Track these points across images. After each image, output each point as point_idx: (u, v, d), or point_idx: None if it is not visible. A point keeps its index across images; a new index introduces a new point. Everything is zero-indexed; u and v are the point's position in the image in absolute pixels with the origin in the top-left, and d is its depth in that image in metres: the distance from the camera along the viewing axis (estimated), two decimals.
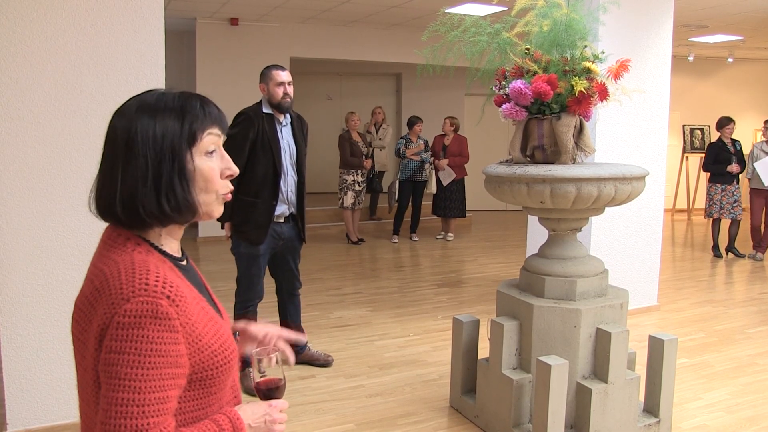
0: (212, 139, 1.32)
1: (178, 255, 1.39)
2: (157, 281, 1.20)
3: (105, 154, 1.28)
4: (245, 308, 4.16)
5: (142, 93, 1.32)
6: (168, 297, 1.20)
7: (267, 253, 4.15)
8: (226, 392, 1.40)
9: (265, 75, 4.08)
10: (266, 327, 1.66)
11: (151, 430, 1.17)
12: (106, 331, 1.18)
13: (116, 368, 1.16)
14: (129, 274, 1.20)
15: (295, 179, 4.15)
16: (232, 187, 1.38)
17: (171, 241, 1.36)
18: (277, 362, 1.54)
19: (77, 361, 1.29)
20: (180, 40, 9.99)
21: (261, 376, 1.51)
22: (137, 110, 1.26)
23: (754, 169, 8.24)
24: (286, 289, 4.39)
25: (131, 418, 1.15)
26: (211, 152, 1.32)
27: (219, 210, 1.36)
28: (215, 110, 1.34)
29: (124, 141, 1.24)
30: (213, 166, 1.32)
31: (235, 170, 1.37)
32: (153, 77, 3.54)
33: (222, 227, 4.16)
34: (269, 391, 1.49)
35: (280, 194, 4.07)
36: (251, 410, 1.38)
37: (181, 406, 1.28)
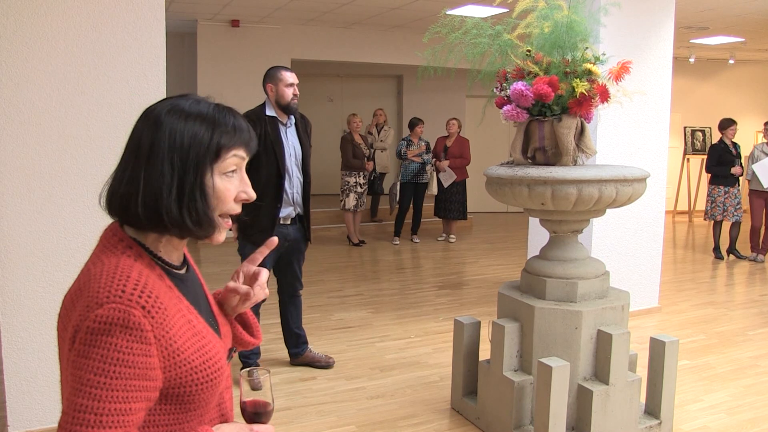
0: (235, 160, 1.28)
1: (177, 264, 1.34)
2: (135, 289, 1.16)
3: (128, 151, 1.25)
4: None
5: (177, 96, 1.30)
6: (143, 307, 1.15)
7: (272, 255, 4.14)
8: (210, 410, 1.35)
9: (273, 76, 4.06)
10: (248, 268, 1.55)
11: None
12: (77, 333, 1.15)
13: (80, 372, 1.12)
14: (109, 278, 1.17)
15: (301, 180, 4.16)
16: (239, 210, 1.33)
17: (171, 250, 1.31)
18: (260, 383, 1.45)
19: (60, 356, 1.26)
20: (181, 42, 10.00)
21: (249, 396, 1.43)
22: (168, 113, 1.24)
23: (753, 171, 8.23)
24: (287, 290, 4.39)
25: (86, 426, 1.10)
26: (232, 172, 1.29)
27: (222, 236, 1.32)
28: (246, 132, 1.30)
29: (149, 145, 1.21)
30: (229, 188, 1.28)
31: (252, 195, 1.33)
32: (154, 79, 3.54)
33: (231, 229, 4.16)
34: (255, 415, 1.41)
35: (285, 196, 4.06)
36: (229, 430, 1.33)
37: (155, 418, 1.23)
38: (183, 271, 1.36)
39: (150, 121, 1.24)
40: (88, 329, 1.13)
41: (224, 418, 1.40)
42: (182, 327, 1.24)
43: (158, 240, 1.28)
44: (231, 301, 1.51)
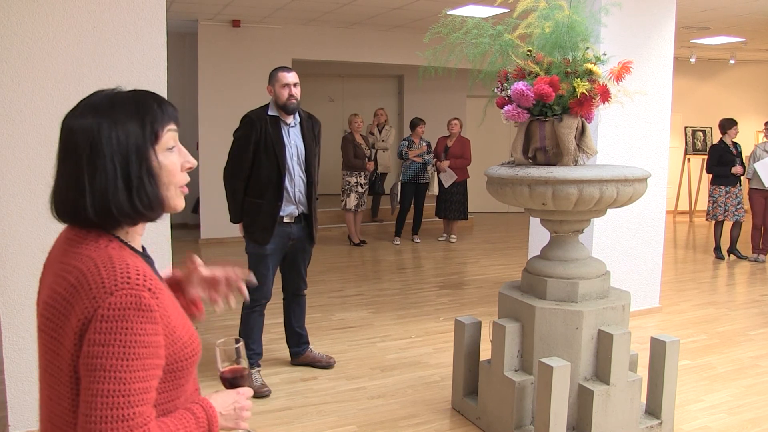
0: (171, 135, 1.36)
1: (140, 250, 1.42)
2: (138, 274, 1.24)
3: (65, 158, 1.29)
4: (252, 308, 4.17)
5: (92, 96, 1.35)
6: (149, 289, 1.24)
7: (277, 253, 4.16)
8: (191, 385, 1.43)
9: (272, 77, 4.10)
10: (213, 270, 1.66)
11: (136, 418, 1.19)
12: (88, 324, 1.20)
13: (101, 360, 1.18)
14: (109, 268, 1.23)
15: (304, 179, 4.16)
16: (189, 179, 1.41)
17: (136, 237, 1.39)
18: (239, 352, 1.57)
19: (46, 359, 1.29)
20: (182, 42, 10.01)
21: (225, 366, 1.55)
22: (94, 115, 1.29)
23: (754, 169, 8.23)
24: (291, 289, 4.40)
25: (117, 408, 1.17)
26: (171, 148, 1.36)
27: (181, 203, 1.39)
28: (170, 107, 1.38)
29: (88, 146, 1.26)
30: (174, 161, 1.36)
31: (194, 162, 1.41)
32: (155, 79, 3.54)
33: (239, 229, 4.19)
34: (235, 380, 1.53)
35: (285, 195, 4.07)
36: (221, 399, 1.44)
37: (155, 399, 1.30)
38: (147, 257, 1.44)
39: (81, 127, 1.28)
40: (102, 318, 1.19)
41: (197, 392, 1.49)
42: (172, 306, 1.33)
43: (126, 232, 1.35)
44: (194, 286, 1.64)
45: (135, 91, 1.36)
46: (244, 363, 1.57)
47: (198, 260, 1.63)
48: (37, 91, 3.28)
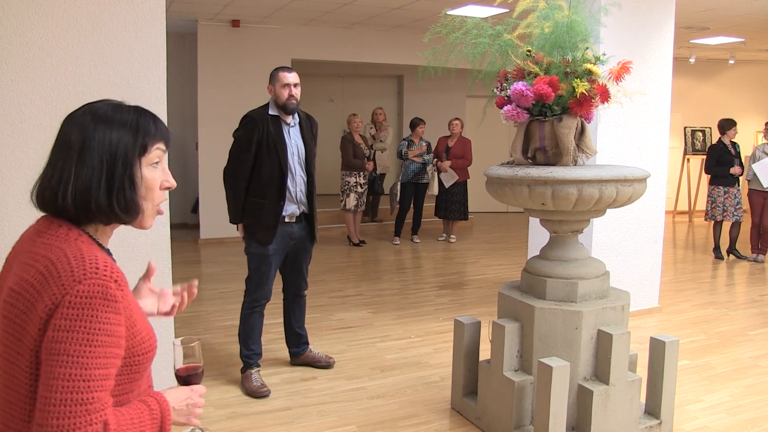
0: (158, 153, 1.45)
1: (107, 249, 1.49)
2: (105, 267, 1.30)
3: (56, 153, 1.38)
4: (252, 308, 4.17)
5: (96, 102, 1.43)
6: (115, 281, 1.31)
7: (278, 253, 4.15)
8: (144, 380, 1.49)
9: (272, 76, 4.10)
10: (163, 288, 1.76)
11: (94, 403, 1.25)
12: (55, 311, 1.26)
13: (64, 345, 1.24)
14: (78, 259, 1.30)
15: (305, 179, 4.16)
16: (167, 199, 1.51)
17: (104, 237, 1.46)
18: (195, 350, 1.64)
19: (6, 346, 1.33)
20: (182, 42, 10.01)
21: (182, 363, 1.62)
22: (93, 118, 1.38)
23: (753, 171, 8.24)
24: (292, 289, 4.40)
25: (77, 392, 1.23)
26: (156, 164, 1.45)
27: (151, 222, 1.48)
28: (164, 128, 1.48)
29: (80, 144, 1.35)
30: (156, 177, 1.45)
31: (173, 183, 1.50)
32: (154, 79, 3.55)
33: (237, 229, 4.18)
34: (189, 377, 1.61)
35: (288, 194, 4.07)
36: (175, 394, 1.50)
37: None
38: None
39: (79, 124, 1.38)
40: (69, 304, 1.25)
41: (151, 388, 1.54)
42: (134, 301, 1.40)
43: (95, 229, 1.42)
44: (148, 306, 1.70)
45: (136, 107, 1.45)
46: (200, 361, 1.64)
47: (153, 267, 1.72)
48: (36, 91, 3.28)
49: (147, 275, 1.71)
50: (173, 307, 1.75)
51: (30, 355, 1.28)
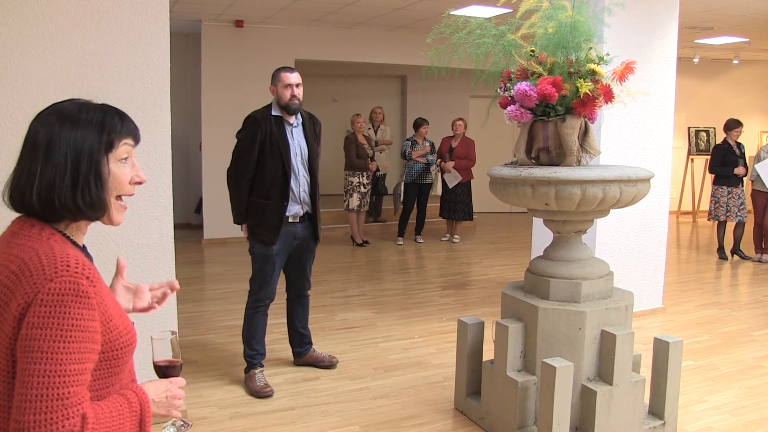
0: (126, 148, 1.47)
1: (82, 246, 1.50)
2: (77, 264, 1.33)
3: (24, 153, 1.41)
4: (256, 308, 4.17)
5: (63, 102, 1.46)
6: (87, 278, 1.33)
7: (282, 254, 4.16)
8: (126, 374, 1.51)
9: (274, 77, 4.10)
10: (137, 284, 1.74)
11: (71, 398, 1.27)
12: (28, 309, 1.28)
13: (38, 342, 1.26)
14: (50, 257, 1.32)
15: (308, 179, 4.16)
16: (134, 192, 1.52)
17: (79, 234, 1.48)
18: (174, 346, 1.67)
19: None
20: (185, 42, 10.02)
21: (160, 357, 1.65)
22: (59, 118, 1.41)
23: (756, 171, 8.22)
24: (295, 289, 4.40)
25: (52, 388, 1.25)
26: (125, 159, 1.47)
27: (120, 218, 1.50)
28: (132, 124, 1.50)
29: (46, 143, 1.37)
30: (125, 172, 1.47)
31: (143, 178, 1.53)
32: (158, 79, 3.55)
33: (241, 229, 4.18)
34: (168, 369, 1.63)
35: (291, 194, 4.08)
36: (154, 387, 1.53)
37: (90, 383, 1.37)
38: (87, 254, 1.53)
39: (43, 124, 1.41)
40: (41, 302, 1.28)
41: (134, 382, 1.56)
42: (109, 297, 1.42)
43: (68, 226, 1.44)
44: (122, 302, 1.68)
45: (103, 104, 1.48)
46: (177, 355, 1.67)
47: (123, 266, 1.71)
48: (40, 91, 3.28)
49: (118, 272, 1.72)
50: (151, 303, 1.75)
51: (5, 354, 1.30)
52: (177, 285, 1.79)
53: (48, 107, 1.45)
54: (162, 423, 1.66)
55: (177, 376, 1.63)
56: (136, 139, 1.51)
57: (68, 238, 1.43)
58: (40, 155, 1.37)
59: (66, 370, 1.27)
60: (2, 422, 1.32)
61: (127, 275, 1.75)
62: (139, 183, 1.52)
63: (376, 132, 10.25)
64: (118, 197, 1.49)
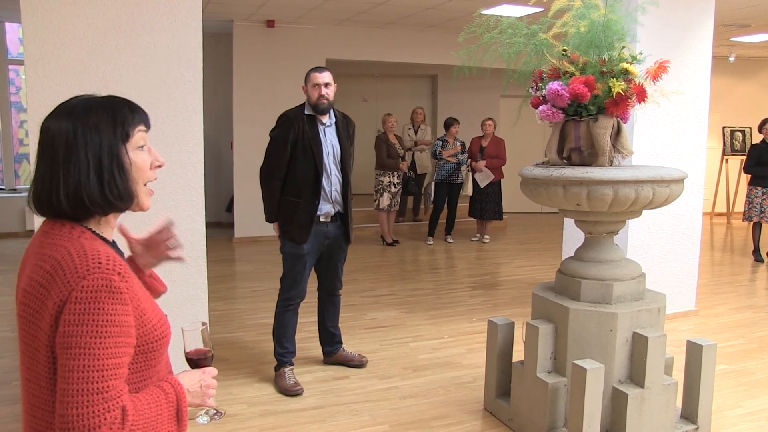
0: (141, 135, 1.49)
1: (111, 241, 1.53)
2: (108, 260, 1.35)
3: (42, 156, 1.41)
4: (287, 306, 4.20)
5: (69, 100, 1.48)
6: (119, 274, 1.35)
7: (313, 253, 4.17)
8: (162, 366, 1.55)
9: (306, 77, 4.13)
10: (146, 234, 1.75)
11: (110, 391, 1.30)
12: (63, 307, 1.31)
13: (76, 339, 1.29)
14: (81, 255, 1.34)
15: (340, 179, 4.17)
16: (157, 177, 1.54)
17: (108, 229, 1.51)
18: (205, 337, 1.69)
19: (25, 343, 1.40)
20: (217, 42, 10.11)
21: (190, 346, 1.67)
22: (70, 116, 1.42)
23: None
24: (326, 288, 4.42)
25: (92, 382, 1.29)
26: (142, 146, 1.49)
27: (149, 202, 1.53)
28: (141, 111, 1.52)
29: (64, 143, 1.38)
30: (145, 159, 1.50)
31: (162, 161, 1.55)
32: (191, 79, 3.59)
33: (273, 228, 4.21)
34: (199, 360, 1.66)
35: (323, 194, 4.09)
36: (188, 377, 1.56)
37: (127, 376, 1.40)
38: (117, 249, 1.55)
39: (57, 125, 1.41)
40: (76, 299, 1.30)
41: (171, 374, 1.59)
42: (141, 291, 1.45)
43: (98, 223, 1.47)
44: (141, 256, 1.73)
45: (109, 97, 1.51)
46: (208, 345, 1.69)
47: (126, 229, 1.72)
48: (76, 92, 3.31)
49: (126, 236, 1.72)
50: (171, 249, 1.75)
51: (46, 351, 1.34)
52: (170, 216, 1.79)
53: (57, 108, 1.47)
54: (196, 411, 1.68)
55: (208, 366, 1.65)
56: (148, 125, 1.53)
57: (98, 235, 1.45)
58: (60, 158, 1.38)
59: (104, 365, 1.30)
60: (47, 415, 1.36)
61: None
62: (159, 167, 1.54)
63: (416, 132, 10.24)
64: (145, 185, 1.51)
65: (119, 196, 1.43)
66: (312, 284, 4.32)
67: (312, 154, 4.03)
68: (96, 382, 1.29)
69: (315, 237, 4.11)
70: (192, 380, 1.55)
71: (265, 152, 4.13)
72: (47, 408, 1.36)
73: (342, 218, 4.24)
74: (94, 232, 1.45)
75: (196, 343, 1.68)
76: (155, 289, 1.75)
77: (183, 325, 1.69)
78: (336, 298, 4.47)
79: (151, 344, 1.45)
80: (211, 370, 1.62)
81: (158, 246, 1.74)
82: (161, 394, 1.44)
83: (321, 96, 4.04)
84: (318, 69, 4.14)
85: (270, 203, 4.13)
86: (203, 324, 1.71)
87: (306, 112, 4.10)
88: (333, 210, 4.16)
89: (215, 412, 1.73)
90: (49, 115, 1.45)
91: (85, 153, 1.38)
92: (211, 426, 3.57)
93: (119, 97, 1.51)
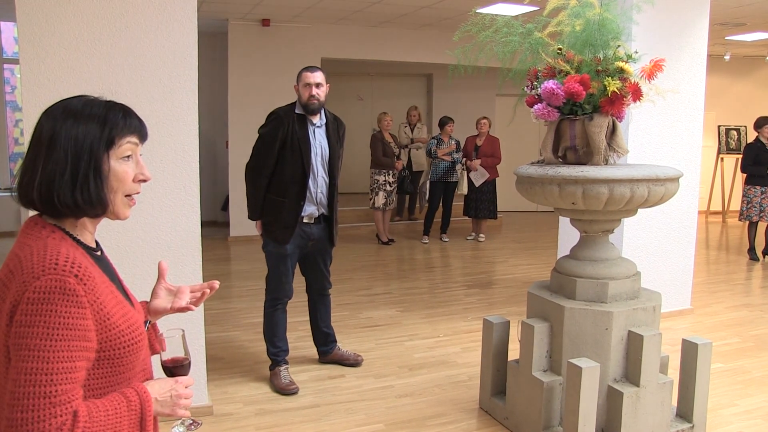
0: (129, 146, 1.46)
1: (92, 246, 1.51)
2: (66, 261, 1.32)
3: (29, 148, 1.41)
4: (274, 306, 4.19)
5: (70, 98, 1.47)
6: (76, 276, 1.32)
7: (296, 253, 4.16)
8: (136, 374, 1.51)
9: (297, 76, 4.11)
10: (171, 296, 1.73)
11: (59, 396, 1.27)
12: (17, 306, 1.29)
13: (26, 340, 1.27)
14: (41, 255, 1.33)
15: (326, 181, 4.14)
16: (140, 191, 1.51)
17: (86, 233, 1.48)
18: (183, 344, 1.66)
19: None
20: (213, 41, 10.09)
21: (167, 355, 1.64)
22: (63, 113, 1.40)
23: None
24: (315, 289, 4.41)
25: (40, 386, 1.26)
26: (128, 157, 1.46)
27: (126, 212, 1.50)
28: (136, 121, 1.49)
29: (48, 138, 1.37)
30: (127, 170, 1.46)
31: (149, 176, 1.51)
32: (186, 78, 3.58)
33: (255, 226, 4.20)
34: (175, 368, 1.62)
35: (308, 194, 4.07)
36: (159, 385, 1.51)
37: (90, 382, 1.38)
38: (98, 253, 1.53)
39: (48, 119, 1.40)
40: (28, 300, 1.28)
41: (147, 380, 1.56)
42: (108, 295, 1.41)
43: (74, 225, 1.44)
44: (162, 303, 1.71)
45: (108, 101, 1.47)
46: (187, 353, 1.66)
47: (164, 269, 1.72)
48: (70, 91, 3.29)
49: (161, 275, 1.73)
50: (188, 304, 1.74)
51: (4, 349, 1.32)
52: (217, 285, 1.77)
53: (56, 103, 1.45)
54: (171, 422, 1.65)
55: (185, 374, 1.61)
56: (142, 136, 1.50)
57: (71, 236, 1.43)
58: (43, 150, 1.37)
59: (54, 368, 1.27)
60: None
61: (151, 273, 1.76)
62: (144, 181, 1.50)
63: (412, 131, 10.24)
64: (127, 195, 1.48)
65: (90, 201, 1.39)
66: (301, 285, 4.31)
67: (300, 154, 4.01)
68: (44, 385, 1.26)
69: (298, 237, 4.09)
70: (162, 389, 1.50)
71: (253, 149, 4.10)
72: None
73: (326, 220, 4.22)
74: (67, 233, 1.42)
75: (176, 351, 1.64)
76: (152, 347, 1.70)
77: (162, 332, 1.66)
78: (326, 298, 4.46)
79: (117, 350, 1.41)
80: (186, 380, 1.56)
81: (184, 296, 1.71)
82: (122, 401, 1.39)
83: (312, 96, 4.02)
84: (310, 68, 4.11)
85: (254, 201, 4.11)
86: (180, 330, 1.67)
87: (297, 111, 4.07)
88: (317, 212, 4.14)
89: (192, 422, 1.69)
90: (48, 109, 1.44)
91: (65, 151, 1.36)
92: (207, 425, 3.57)
93: (118, 103, 1.48)
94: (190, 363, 1.65)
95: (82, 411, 1.30)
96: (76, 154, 1.37)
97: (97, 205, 1.41)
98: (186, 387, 1.55)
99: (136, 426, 1.40)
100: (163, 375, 1.61)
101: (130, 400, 1.40)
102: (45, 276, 1.29)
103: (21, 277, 1.31)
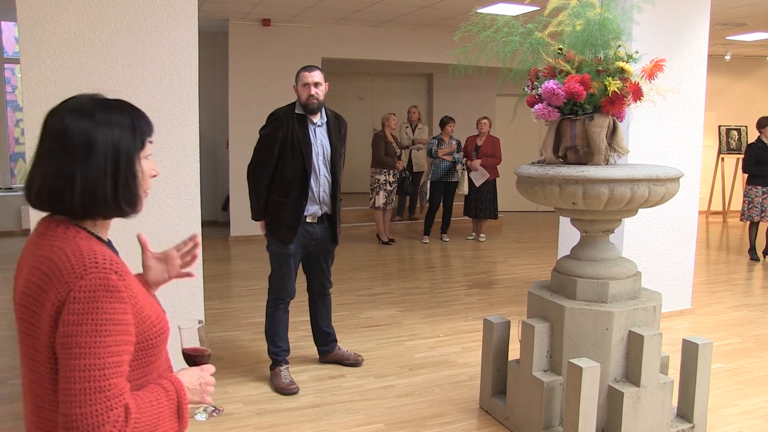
0: (150, 146, 1.53)
1: (107, 241, 1.54)
2: (104, 259, 1.36)
3: (55, 151, 1.39)
4: (276, 306, 4.19)
5: (77, 98, 1.49)
6: (116, 272, 1.36)
7: (299, 253, 4.16)
8: (162, 362, 1.56)
9: (296, 76, 4.11)
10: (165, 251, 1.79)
11: (112, 389, 1.32)
12: (62, 307, 1.32)
13: (76, 338, 1.30)
14: (78, 256, 1.35)
15: (329, 180, 4.15)
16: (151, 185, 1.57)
17: (103, 230, 1.52)
18: (201, 335, 1.71)
19: (26, 345, 1.41)
20: (213, 41, 10.10)
21: (188, 344, 1.69)
22: (91, 118, 1.42)
23: None
24: (316, 288, 4.41)
25: (94, 381, 1.30)
26: (148, 156, 1.52)
27: (143, 206, 1.54)
28: (151, 122, 1.55)
29: (84, 143, 1.39)
30: (150, 167, 1.53)
31: (158, 171, 1.58)
32: (186, 77, 3.58)
33: (260, 226, 4.20)
34: (197, 357, 1.68)
35: (310, 194, 4.07)
36: (188, 374, 1.57)
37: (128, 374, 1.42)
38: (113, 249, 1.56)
39: (71, 121, 1.41)
40: (74, 299, 1.31)
41: (170, 370, 1.61)
42: (138, 289, 1.46)
43: (93, 224, 1.48)
44: (157, 274, 1.77)
45: (123, 102, 1.51)
46: (205, 343, 1.71)
47: (145, 240, 1.75)
48: (71, 91, 3.30)
49: (144, 247, 1.75)
50: (186, 266, 1.81)
51: (47, 352, 1.35)
52: (198, 237, 1.82)
53: (63, 103, 1.47)
54: (195, 409, 1.70)
55: (206, 364, 1.66)
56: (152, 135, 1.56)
57: (93, 234, 1.46)
58: (78, 155, 1.38)
59: (104, 363, 1.31)
60: (52, 415, 1.37)
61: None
62: (154, 176, 1.56)
63: (413, 131, 10.23)
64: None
65: (129, 201, 1.45)
66: (302, 284, 4.31)
67: (301, 154, 4.00)
68: (97, 380, 1.30)
69: (301, 237, 4.09)
70: (191, 377, 1.57)
71: (254, 150, 4.11)
72: (53, 408, 1.37)
73: (329, 219, 4.22)
74: (89, 231, 1.45)
75: (193, 342, 1.69)
76: None
77: (180, 324, 1.69)
78: (326, 298, 4.46)
79: (150, 341, 1.46)
80: (209, 368, 1.63)
81: (174, 261, 1.78)
82: (161, 392, 1.45)
83: (311, 96, 4.02)
84: (308, 68, 4.11)
85: (256, 201, 4.12)
86: (200, 322, 1.72)
87: (296, 111, 4.07)
88: (320, 211, 4.14)
89: (213, 408, 1.75)
90: (55, 109, 1.46)
91: (105, 156, 1.40)
92: (208, 424, 3.57)
93: (133, 105, 1.53)
94: (210, 353, 1.71)
95: (132, 403, 1.36)
96: (115, 158, 1.41)
97: (134, 204, 1.47)
98: (210, 374, 1.61)
99: (174, 414, 1.46)
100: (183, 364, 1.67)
101: (168, 390, 1.46)
102: (88, 275, 1.33)
103: (61, 279, 1.33)
